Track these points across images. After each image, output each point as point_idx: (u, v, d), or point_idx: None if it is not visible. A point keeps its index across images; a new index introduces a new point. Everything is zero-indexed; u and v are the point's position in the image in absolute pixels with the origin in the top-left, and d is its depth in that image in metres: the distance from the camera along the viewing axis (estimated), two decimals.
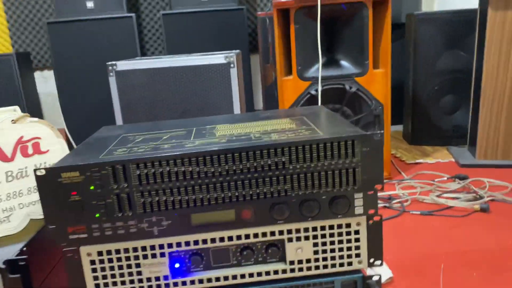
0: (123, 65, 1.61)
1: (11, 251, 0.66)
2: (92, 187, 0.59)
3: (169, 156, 0.59)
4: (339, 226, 0.65)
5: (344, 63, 1.59)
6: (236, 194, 0.60)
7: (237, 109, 1.74)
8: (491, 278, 0.95)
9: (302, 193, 0.61)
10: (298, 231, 0.65)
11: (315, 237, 0.65)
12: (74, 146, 1.92)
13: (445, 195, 1.42)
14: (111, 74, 1.61)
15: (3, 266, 0.61)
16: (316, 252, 0.66)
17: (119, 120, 1.69)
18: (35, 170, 0.57)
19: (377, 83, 1.56)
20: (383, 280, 0.96)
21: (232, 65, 1.65)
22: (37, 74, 2.60)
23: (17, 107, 1.00)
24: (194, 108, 1.71)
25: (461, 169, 1.69)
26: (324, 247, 0.65)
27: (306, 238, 0.65)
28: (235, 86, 1.69)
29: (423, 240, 1.16)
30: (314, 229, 0.65)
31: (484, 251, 1.07)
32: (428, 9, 2.53)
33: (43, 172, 0.58)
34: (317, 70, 1.54)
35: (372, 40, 1.52)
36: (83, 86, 2.12)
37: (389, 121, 1.58)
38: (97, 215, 0.60)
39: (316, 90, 1.54)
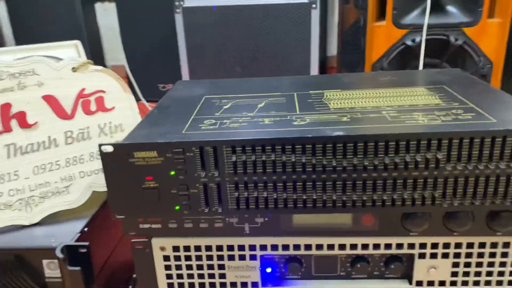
0: (191, 0, 1.43)
1: (70, 231, 0.55)
2: (172, 173, 0.44)
3: (276, 140, 0.43)
4: (494, 245, 0.47)
5: (450, 8, 1.32)
6: (363, 198, 0.44)
7: (314, 57, 1.54)
8: None
9: (455, 203, 0.44)
10: (435, 246, 0.48)
11: (457, 255, 0.48)
12: (136, 87, 1.81)
13: None
14: (177, 10, 1.44)
15: (61, 256, 0.50)
16: (454, 274, 0.49)
17: (184, 62, 1.54)
18: (100, 146, 0.43)
19: (490, 36, 1.29)
20: None
21: (314, 5, 1.42)
22: (98, 6, 2.48)
23: (78, 42, 0.86)
24: (266, 55, 1.52)
25: None
26: (468, 269, 0.49)
27: (445, 255, 0.48)
28: (315, 31, 1.47)
29: None
30: (458, 245, 0.48)
31: None
32: None
33: (110, 148, 0.44)
34: (417, 16, 1.29)
35: None
36: (146, 21, 1.96)
37: (499, 82, 1.32)
38: (177, 207, 0.46)
39: (413, 41, 1.30)
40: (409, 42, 1.31)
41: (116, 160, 0.44)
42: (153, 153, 0.43)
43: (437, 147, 0.42)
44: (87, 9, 2.16)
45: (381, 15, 1.40)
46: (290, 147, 0.43)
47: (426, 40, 1.29)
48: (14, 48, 0.85)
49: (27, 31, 2.08)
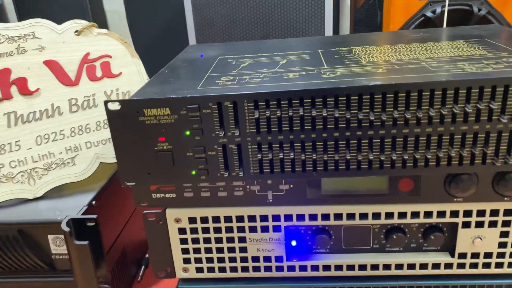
0: None
1: (76, 205, 0.50)
2: (187, 132, 0.39)
3: (304, 92, 0.37)
4: None
5: None
6: (404, 156, 0.39)
7: (328, 34, 1.47)
8: None
9: (510, 161, 0.38)
10: (482, 213, 0.43)
11: (506, 223, 0.43)
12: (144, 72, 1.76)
13: None
14: None
15: (67, 229, 0.46)
16: (503, 245, 0.44)
17: (192, 41, 1.49)
18: (106, 102, 0.39)
19: None
20: None
21: None
22: None
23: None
24: (277, 32, 1.46)
25: None
26: None
27: (493, 224, 0.43)
28: (329, 6, 1.40)
29: None
30: (508, 213, 0.43)
31: None
32: None
33: (117, 106, 0.39)
34: None
35: None
36: (153, 3, 1.92)
37: None
38: (193, 172, 0.41)
39: (434, 12, 1.23)
40: (429, 14, 1.24)
41: (124, 119, 0.39)
42: (166, 110, 0.39)
43: (490, 97, 0.36)
44: None
45: None
46: (321, 100, 0.38)
47: (448, 10, 1.23)
48: None
49: (32, 16, 2.04)
